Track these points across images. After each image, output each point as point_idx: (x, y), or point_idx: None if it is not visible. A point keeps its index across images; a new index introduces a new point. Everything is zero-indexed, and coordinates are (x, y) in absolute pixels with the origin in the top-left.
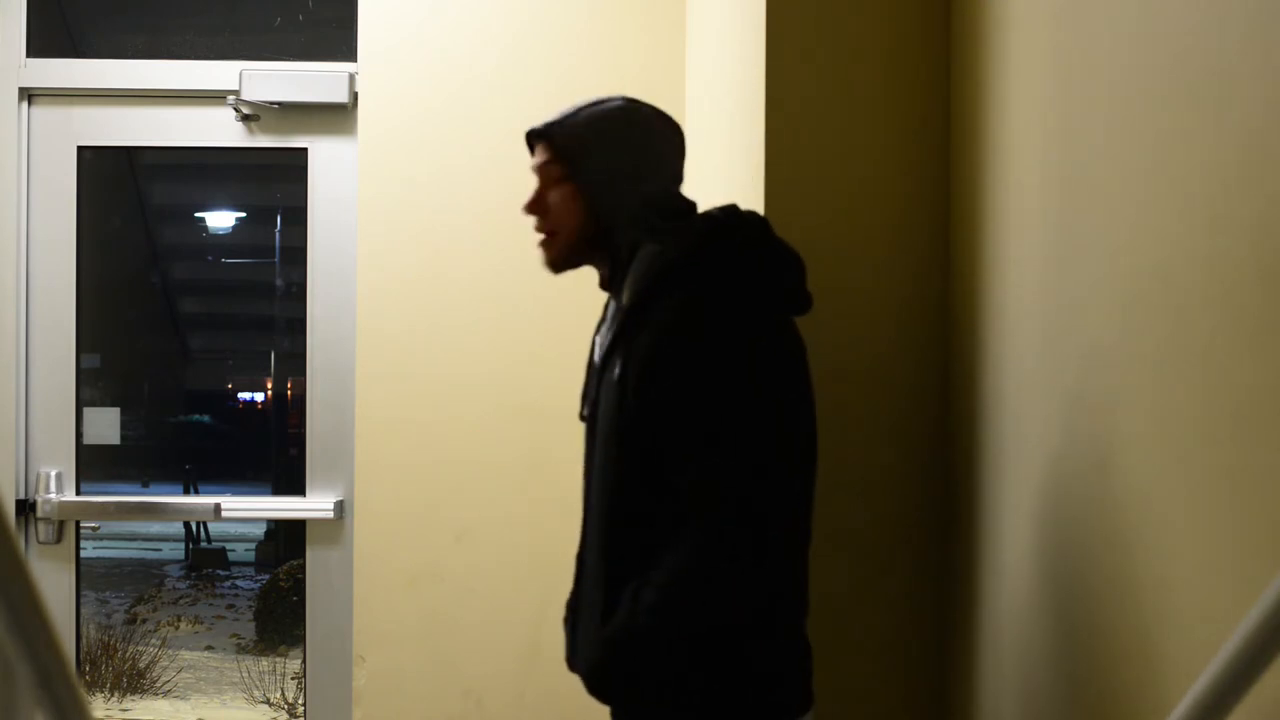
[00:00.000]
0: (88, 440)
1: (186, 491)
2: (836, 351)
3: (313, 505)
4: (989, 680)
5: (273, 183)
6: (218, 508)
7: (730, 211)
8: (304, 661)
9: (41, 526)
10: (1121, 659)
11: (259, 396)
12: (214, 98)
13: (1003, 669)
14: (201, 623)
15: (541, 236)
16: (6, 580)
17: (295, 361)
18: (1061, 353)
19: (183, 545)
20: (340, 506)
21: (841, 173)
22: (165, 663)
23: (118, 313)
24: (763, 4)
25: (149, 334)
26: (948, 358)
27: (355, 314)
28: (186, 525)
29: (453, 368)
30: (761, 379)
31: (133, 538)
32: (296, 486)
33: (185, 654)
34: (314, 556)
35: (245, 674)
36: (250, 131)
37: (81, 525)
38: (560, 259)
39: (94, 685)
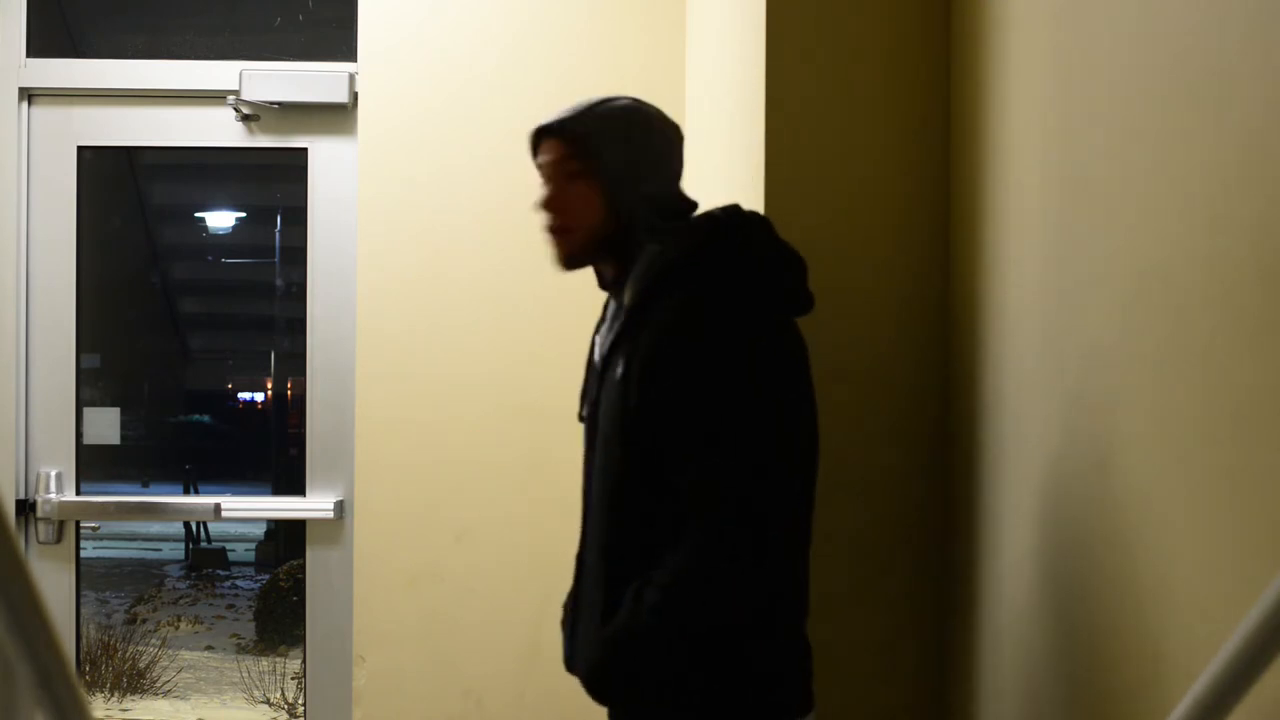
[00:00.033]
0: (88, 440)
1: (186, 491)
2: (836, 351)
3: (313, 505)
4: (989, 680)
5: (273, 183)
6: (218, 508)
7: (732, 211)
8: (304, 661)
9: (41, 526)
10: (1121, 659)
11: (259, 396)
12: (214, 98)
13: (1003, 669)
14: (201, 623)
15: (553, 233)
16: (6, 580)
17: (295, 361)
18: (1061, 353)
19: (183, 545)
20: (340, 506)
21: (841, 173)
22: (165, 663)
23: (118, 313)
24: (763, 4)
25: (149, 334)
26: (948, 358)
27: (355, 314)
28: (186, 525)
29: (453, 368)
30: (762, 379)
31: (133, 538)
32: (296, 486)
33: (185, 654)
34: (314, 556)
35: (245, 674)
36: (250, 131)
37: (81, 525)
38: (575, 255)
39: (94, 685)
